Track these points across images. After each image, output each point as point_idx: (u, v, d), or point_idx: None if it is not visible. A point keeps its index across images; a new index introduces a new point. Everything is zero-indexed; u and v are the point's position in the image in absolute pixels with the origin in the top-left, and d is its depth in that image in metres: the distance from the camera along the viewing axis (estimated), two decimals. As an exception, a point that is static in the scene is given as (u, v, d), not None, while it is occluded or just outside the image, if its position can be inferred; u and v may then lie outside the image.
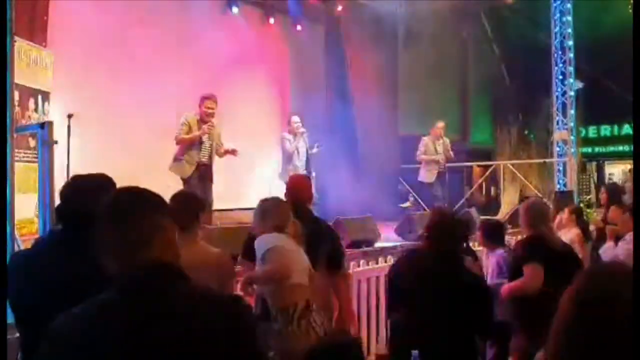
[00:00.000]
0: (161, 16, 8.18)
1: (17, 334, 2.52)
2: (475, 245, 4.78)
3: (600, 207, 6.43)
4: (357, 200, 9.07)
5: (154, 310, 1.23)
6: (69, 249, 1.89)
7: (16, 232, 3.76)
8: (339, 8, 10.75)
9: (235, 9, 9.51)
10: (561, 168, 11.47)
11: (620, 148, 15.00)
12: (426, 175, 8.86)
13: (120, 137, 7.50)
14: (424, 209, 8.95)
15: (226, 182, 7.01)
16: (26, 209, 4.73)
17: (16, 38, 4.35)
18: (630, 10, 9.48)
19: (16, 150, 4.18)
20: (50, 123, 4.12)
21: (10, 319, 2.58)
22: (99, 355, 1.19)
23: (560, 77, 11.58)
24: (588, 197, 11.97)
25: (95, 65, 7.36)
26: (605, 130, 15.64)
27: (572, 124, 11.56)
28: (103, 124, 7.36)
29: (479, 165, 12.75)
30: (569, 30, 11.42)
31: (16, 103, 4.73)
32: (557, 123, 11.57)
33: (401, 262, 3.31)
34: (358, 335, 4.27)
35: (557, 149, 11.61)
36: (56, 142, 4.06)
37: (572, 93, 11.61)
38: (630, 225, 4.26)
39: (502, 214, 10.41)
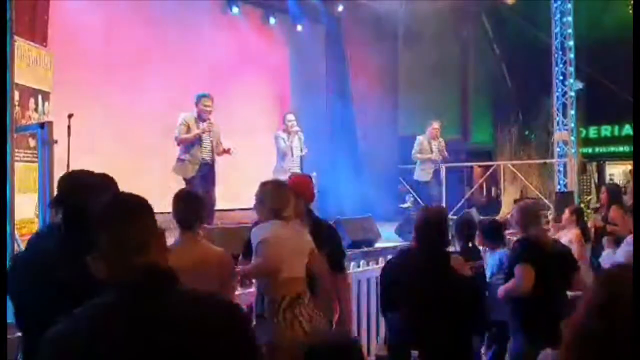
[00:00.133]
0: (161, 16, 8.18)
1: (17, 334, 2.53)
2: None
3: (600, 207, 6.42)
4: (357, 200, 9.08)
5: (153, 314, 1.23)
6: (73, 249, 1.89)
7: (16, 232, 3.77)
8: (340, 8, 10.74)
9: (235, 9, 9.51)
10: (561, 168, 11.46)
11: (621, 149, 14.97)
12: (421, 174, 8.88)
13: (120, 137, 7.50)
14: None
15: (226, 182, 7.01)
16: (26, 209, 4.73)
17: (16, 38, 4.35)
18: (630, 11, 9.48)
19: (16, 150, 4.19)
20: (50, 123, 4.12)
21: (10, 318, 2.58)
22: (99, 358, 1.19)
23: (561, 77, 11.57)
24: (589, 197, 11.96)
25: (96, 65, 7.36)
26: (606, 130, 15.62)
27: (572, 125, 11.55)
28: (103, 124, 7.37)
29: (479, 166, 12.75)
30: (570, 31, 11.41)
31: (16, 103, 4.73)
32: (558, 123, 11.56)
33: (392, 263, 3.32)
34: (357, 337, 4.28)
35: (558, 149, 11.60)
36: (56, 142, 4.06)
37: (573, 93, 11.60)
38: (631, 225, 4.25)
39: (503, 214, 10.40)
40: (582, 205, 9.67)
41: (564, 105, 11.56)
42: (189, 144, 6.24)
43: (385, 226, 7.34)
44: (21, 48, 5.12)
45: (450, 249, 5.73)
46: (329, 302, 3.33)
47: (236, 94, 9.14)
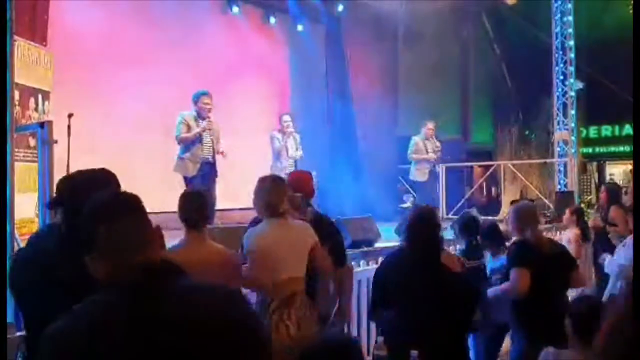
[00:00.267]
0: (161, 15, 8.18)
1: (17, 334, 2.53)
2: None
3: (600, 207, 6.41)
4: (357, 200, 9.08)
5: (154, 313, 1.22)
6: (73, 248, 1.88)
7: (16, 231, 3.76)
8: (340, 8, 10.74)
9: (235, 9, 9.51)
10: (562, 168, 11.46)
11: (621, 148, 14.98)
12: (417, 174, 8.90)
13: (120, 137, 7.50)
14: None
15: (226, 182, 7.00)
16: (26, 208, 4.73)
17: (16, 37, 4.35)
18: (631, 11, 9.48)
19: (16, 150, 4.19)
20: (50, 122, 4.12)
21: (10, 318, 2.58)
22: (98, 356, 1.18)
23: (561, 77, 11.58)
24: (589, 197, 11.97)
25: (96, 65, 7.36)
26: (606, 130, 15.62)
27: (572, 124, 11.56)
28: (103, 124, 7.37)
29: (479, 166, 12.74)
30: (570, 31, 11.42)
31: (16, 102, 4.73)
32: (558, 123, 11.57)
33: (384, 263, 3.33)
34: (356, 337, 4.28)
35: (558, 149, 11.61)
36: (56, 142, 4.06)
37: (573, 93, 11.61)
38: (631, 225, 4.25)
39: (503, 214, 10.40)
40: (582, 205, 9.67)
41: (564, 105, 11.56)
42: (190, 143, 6.24)
43: (385, 226, 7.33)
44: (21, 48, 5.12)
45: (452, 247, 5.74)
46: (328, 298, 3.33)
47: (236, 93, 9.13)
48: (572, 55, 11.47)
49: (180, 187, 6.16)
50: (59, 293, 1.80)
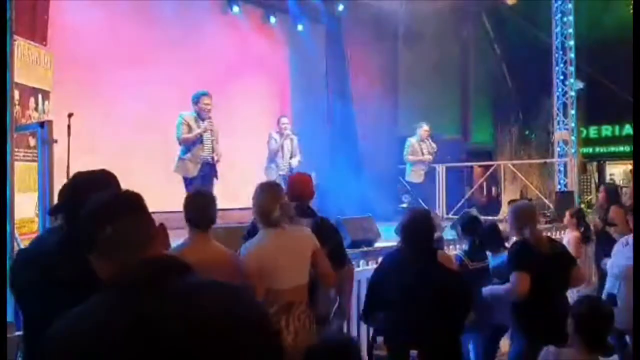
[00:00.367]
0: (161, 15, 8.18)
1: (17, 333, 2.53)
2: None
3: (599, 208, 6.41)
4: (357, 200, 9.08)
5: (158, 313, 1.20)
6: (73, 248, 1.88)
7: (16, 231, 3.76)
8: (340, 7, 10.74)
9: (235, 8, 9.51)
10: (562, 168, 11.47)
11: (622, 148, 14.98)
12: (413, 175, 8.91)
13: (120, 137, 7.50)
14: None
15: (226, 182, 7.01)
16: (26, 208, 4.73)
17: (16, 37, 4.35)
18: (631, 11, 9.48)
19: (16, 150, 4.19)
20: (50, 122, 4.12)
21: (10, 317, 2.58)
22: (101, 358, 1.17)
23: (561, 77, 11.58)
24: (589, 197, 11.97)
25: (95, 64, 7.36)
26: (606, 130, 15.62)
27: (572, 124, 11.56)
28: (103, 124, 7.37)
29: (479, 166, 12.74)
30: (570, 31, 11.42)
31: (16, 102, 4.74)
32: (558, 123, 11.57)
33: (382, 265, 3.32)
34: (356, 337, 4.27)
35: (558, 149, 11.61)
36: (56, 141, 4.06)
37: (573, 93, 11.61)
38: (631, 226, 4.24)
39: (503, 214, 10.40)
40: (582, 205, 9.67)
41: (565, 105, 11.57)
42: (190, 144, 6.24)
43: (385, 226, 7.33)
44: (21, 47, 5.12)
45: (452, 247, 5.73)
46: (328, 301, 3.31)
47: (236, 94, 9.13)
48: (572, 55, 11.48)
49: (180, 187, 6.16)
50: (59, 293, 1.80)
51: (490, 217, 7.72)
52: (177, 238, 2.82)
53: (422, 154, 8.83)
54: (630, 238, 3.99)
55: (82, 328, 1.20)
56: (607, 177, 15.23)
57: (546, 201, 10.62)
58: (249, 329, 1.26)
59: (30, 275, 1.91)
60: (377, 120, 10.69)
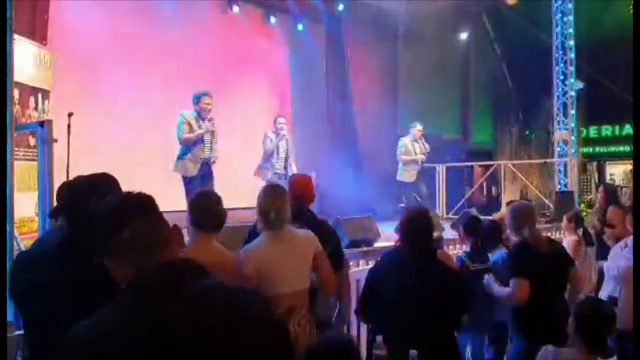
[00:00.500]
0: (162, 15, 8.18)
1: (17, 333, 2.53)
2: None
3: (598, 208, 6.40)
4: (357, 200, 9.08)
5: (177, 316, 1.20)
6: (73, 249, 1.88)
7: (16, 230, 3.77)
8: (340, 7, 10.75)
9: (236, 8, 9.51)
10: (562, 168, 11.47)
11: (622, 148, 14.97)
12: (405, 175, 8.90)
13: (120, 137, 7.50)
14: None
15: (226, 182, 7.01)
16: (26, 207, 4.73)
17: (16, 36, 4.35)
18: (631, 11, 9.48)
19: (16, 149, 4.19)
20: (50, 121, 4.12)
21: (10, 317, 2.58)
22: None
23: (561, 77, 11.59)
24: (589, 197, 11.97)
25: (95, 64, 7.36)
26: (607, 130, 15.62)
27: (572, 124, 11.57)
28: (103, 123, 7.37)
29: (479, 165, 12.75)
30: (570, 30, 11.43)
31: (16, 101, 4.74)
32: (558, 123, 11.58)
33: (379, 264, 3.32)
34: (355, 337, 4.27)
35: (558, 149, 11.62)
36: (56, 141, 4.06)
37: (573, 93, 11.62)
38: (629, 226, 4.23)
39: (501, 213, 10.40)
40: (582, 204, 9.67)
41: (565, 105, 11.57)
42: (191, 144, 6.24)
43: (384, 225, 7.34)
44: (21, 46, 5.12)
45: (452, 247, 5.73)
46: (329, 306, 3.30)
47: (236, 92, 9.14)
48: (573, 55, 11.48)
49: (180, 187, 6.17)
50: (59, 295, 1.80)
51: (489, 218, 7.72)
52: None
53: (415, 153, 8.83)
54: (629, 240, 3.98)
55: (101, 332, 1.20)
56: (607, 177, 15.22)
57: (546, 201, 10.63)
58: (263, 331, 1.27)
59: (30, 278, 1.91)
60: (377, 120, 10.69)
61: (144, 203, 1.36)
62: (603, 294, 3.93)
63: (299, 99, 10.32)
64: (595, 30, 12.33)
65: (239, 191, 7.39)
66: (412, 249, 3.07)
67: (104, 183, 2.02)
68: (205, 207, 2.79)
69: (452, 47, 13.10)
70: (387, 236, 7.08)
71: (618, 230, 4.66)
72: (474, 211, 8.16)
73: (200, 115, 6.26)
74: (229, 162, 6.97)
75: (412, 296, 2.95)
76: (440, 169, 10.70)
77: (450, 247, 6.04)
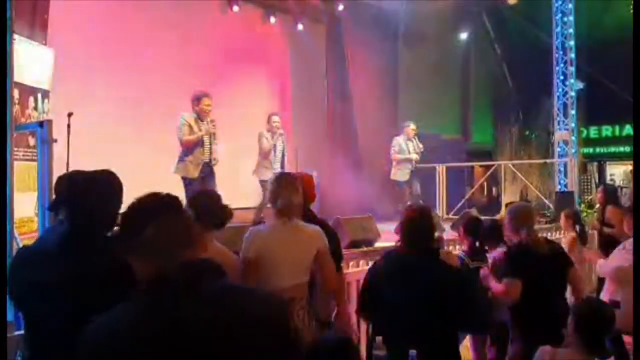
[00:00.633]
0: (162, 14, 8.18)
1: (17, 332, 2.53)
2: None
3: (598, 208, 6.40)
4: (357, 200, 9.08)
5: (201, 310, 1.22)
6: (80, 247, 1.88)
7: (16, 230, 3.77)
8: (340, 7, 10.74)
9: (236, 8, 9.51)
10: (562, 168, 11.47)
11: (622, 149, 14.98)
12: (399, 174, 8.93)
13: (120, 137, 7.50)
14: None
15: (226, 182, 7.01)
16: (26, 207, 4.72)
17: (16, 36, 4.35)
18: (631, 11, 9.48)
19: (16, 149, 4.18)
20: (50, 121, 4.13)
21: (10, 317, 2.58)
22: (142, 357, 1.18)
23: (562, 77, 11.59)
24: (589, 197, 11.96)
25: (96, 64, 7.36)
26: (607, 130, 15.62)
27: (573, 124, 11.56)
28: (103, 123, 7.36)
29: (479, 166, 12.75)
30: (571, 31, 11.42)
31: (16, 101, 4.74)
32: (558, 123, 11.58)
33: (378, 264, 3.32)
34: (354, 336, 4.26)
35: (558, 149, 11.62)
36: (55, 141, 4.06)
37: (573, 93, 11.62)
38: (627, 226, 4.22)
39: (503, 214, 10.40)
40: (582, 205, 9.66)
41: (565, 105, 11.57)
42: (192, 146, 6.23)
43: (384, 225, 7.34)
44: (21, 46, 5.11)
45: (452, 248, 5.72)
46: (329, 306, 3.30)
47: (236, 92, 9.14)
48: (573, 55, 11.48)
49: (180, 188, 6.16)
50: (59, 295, 1.80)
51: (490, 218, 7.72)
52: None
53: (409, 152, 8.85)
54: (627, 243, 3.97)
55: (118, 330, 1.21)
56: (608, 178, 15.22)
57: (546, 201, 10.63)
58: (275, 331, 1.29)
59: (31, 277, 1.91)
60: (377, 120, 10.69)
61: (171, 203, 1.39)
62: (604, 295, 3.93)
63: (299, 99, 10.32)
64: (596, 30, 12.34)
65: (239, 191, 7.41)
66: (412, 248, 3.07)
67: (103, 180, 2.03)
68: (204, 204, 2.79)
69: (452, 47, 13.10)
70: (387, 236, 7.10)
71: (616, 230, 4.66)
72: (474, 211, 8.16)
73: (199, 117, 6.25)
74: (229, 162, 6.96)
75: (412, 296, 2.95)
76: (440, 169, 10.70)
77: (451, 247, 6.03)
